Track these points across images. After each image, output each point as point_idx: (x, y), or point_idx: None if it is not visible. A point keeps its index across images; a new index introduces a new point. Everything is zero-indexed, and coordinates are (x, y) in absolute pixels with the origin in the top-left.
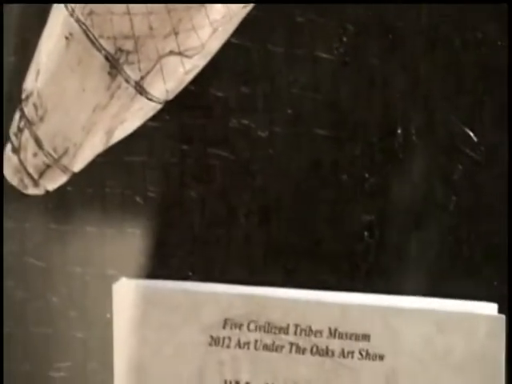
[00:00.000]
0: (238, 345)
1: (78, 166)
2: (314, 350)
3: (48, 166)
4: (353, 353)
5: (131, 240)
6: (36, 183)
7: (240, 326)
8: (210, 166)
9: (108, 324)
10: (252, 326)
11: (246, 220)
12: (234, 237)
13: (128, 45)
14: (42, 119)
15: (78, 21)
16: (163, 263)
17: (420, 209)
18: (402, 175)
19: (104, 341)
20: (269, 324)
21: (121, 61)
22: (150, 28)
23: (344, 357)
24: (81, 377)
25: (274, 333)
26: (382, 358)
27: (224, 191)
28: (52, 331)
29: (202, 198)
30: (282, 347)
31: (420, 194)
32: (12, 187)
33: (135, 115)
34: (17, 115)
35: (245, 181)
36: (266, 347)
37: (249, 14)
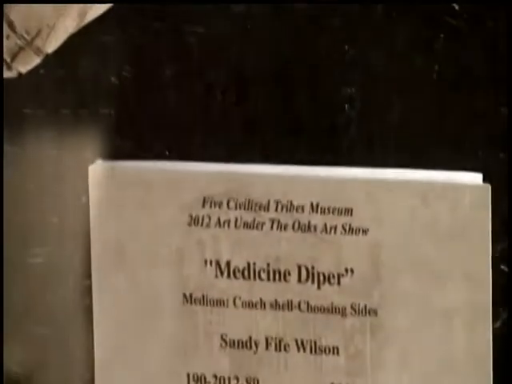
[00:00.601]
0: (218, 223)
1: (52, 47)
2: (296, 225)
3: (21, 49)
4: (335, 227)
5: (106, 121)
6: (9, 66)
7: (220, 205)
8: (185, 44)
9: (83, 207)
10: (232, 204)
11: (223, 97)
12: (211, 114)
13: None
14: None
15: None
16: (139, 143)
17: (402, 79)
18: (382, 46)
19: (80, 225)
20: (249, 201)
21: None
22: None
23: (326, 232)
24: (58, 262)
25: (255, 210)
26: (365, 231)
27: (200, 69)
28: (27, 217)
29: (177, 77)
30: (263, 224)
31: (402, 64)
32: None
33: None
34: None
35: (221, 58)
36: (246, 225)
37: None
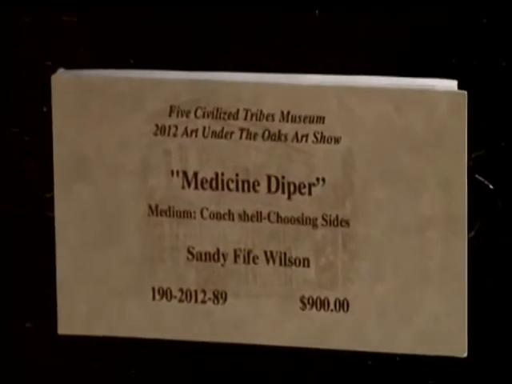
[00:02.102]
0: (185, 133)
1: None
2: (266, 134)
3: None
4: (307, 136)
5: (68, 29)
6: None
7: (187, 114)
8: None
9: (45, 118)
10: (199, 113)
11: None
12: (177, 19)
13: None
14: None
15: None
16: (102, 52)
17: None
18: None
19: (42, 135)
20: (217, 110)
21: None
22: None
23: (298, 140)
24: (15, 175)
25: (224, 119)
26: (337, 140)
27: None
28: None
29: None
30: (232, 133)
31: None
32: None
33: None
34: None
35: None
36: (214, 134)
37: None
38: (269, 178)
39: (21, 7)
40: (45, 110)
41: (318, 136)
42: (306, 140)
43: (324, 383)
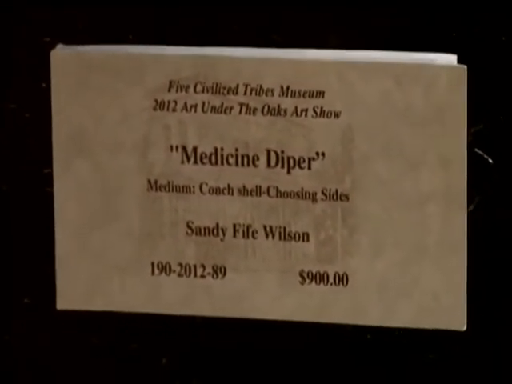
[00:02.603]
0: (185, 108)
1: None
2: (266, 109)
3: None
4: (306, 111)
5: (67, 4)
6: None
7: (186, 89)
8: None
9: (44, 94)
10: (199, 88)
11: None
12: None
13: None
14: None
15: None
16: (101, 27)
17: None
18: None
19: (41, 111)
20: (217, 85)
21: None
22: None
23: (297, 115)
24: (14, 151)
25: (223, 94)
26: (337, 115)
27: None
28: None
29: None
30: (232, 108)
31: None
32: None
33: None
34: None
35: None
36: (214, 109)
37: None
38: (268, 152)
39: None
40: (44, 86)
41: (318, 111)
42: (306, 115)
43: (323, 357)
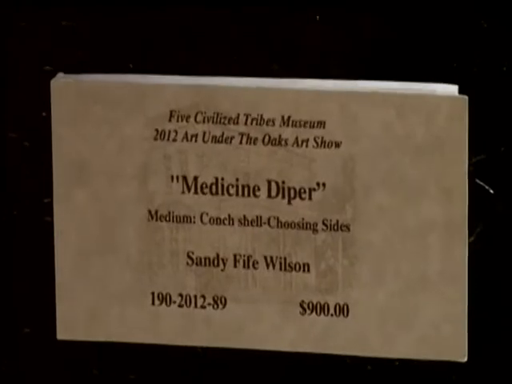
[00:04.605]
0: (185, 138)
1: None
2: (266, 139)
3: None
4: (307, 141)
5: (67, 33)
6: None
7: (187, 118)
8: None
9: (44, 123)
10: (199, 118)
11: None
12: (176, 24)
13: None
14: None
15: None
16: (101, 56)
17: None
18: None
19: (41, 140)
20: (218, 114)
21: None
22: None
23: (298, 145)
24: (14, 180)
25: (224, 123)
26: (338, 145)
27: None
28: None
29: None
30: (232, 138)
31: None
32: None
33: None
34: None
35: None
36: (214, 139)
37: None
38: (269, 182)
39: (20, 12)
40: (44, 114)
41: (319, 141)
42: (307, 145)
43: None
